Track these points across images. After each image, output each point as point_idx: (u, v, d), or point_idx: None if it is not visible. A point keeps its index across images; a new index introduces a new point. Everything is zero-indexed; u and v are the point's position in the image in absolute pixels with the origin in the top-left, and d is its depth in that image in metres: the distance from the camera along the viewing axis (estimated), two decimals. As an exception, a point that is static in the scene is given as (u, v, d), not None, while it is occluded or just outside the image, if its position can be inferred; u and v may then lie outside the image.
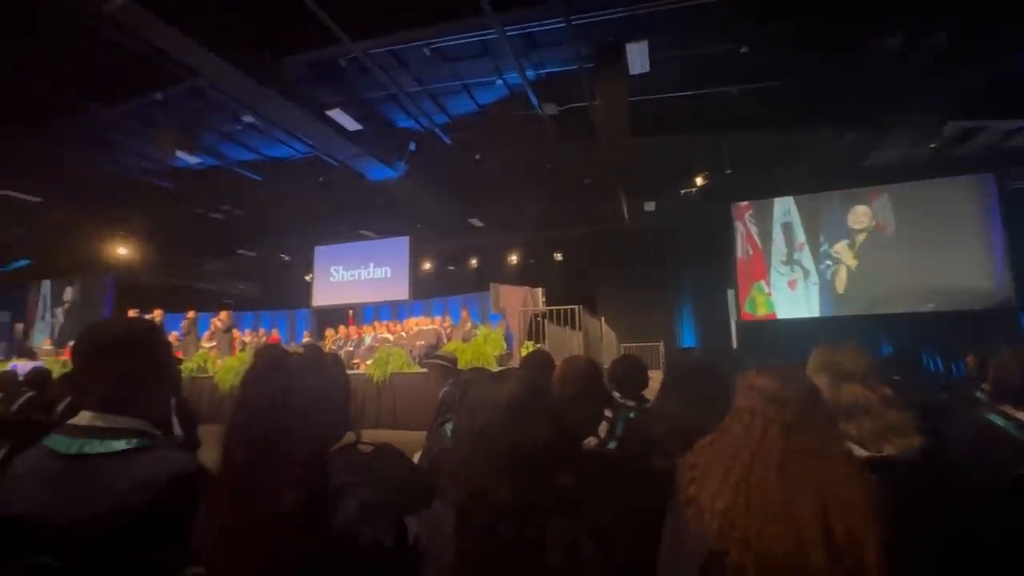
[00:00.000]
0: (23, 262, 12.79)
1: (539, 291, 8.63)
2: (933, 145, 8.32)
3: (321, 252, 12.85)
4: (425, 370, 6.63)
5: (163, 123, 7.18)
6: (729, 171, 9.03)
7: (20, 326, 12.66)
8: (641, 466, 1.33)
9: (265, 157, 8.94)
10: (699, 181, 9.68)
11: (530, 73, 6.47)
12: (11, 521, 0.90)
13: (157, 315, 8.89)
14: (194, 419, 3.04)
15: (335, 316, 11.50)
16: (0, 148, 7.71)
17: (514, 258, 13.60)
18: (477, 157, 8.84)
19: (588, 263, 13.43)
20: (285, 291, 14.73)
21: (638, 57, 5.51)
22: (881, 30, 5.70)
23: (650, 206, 11.13)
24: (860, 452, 1.24)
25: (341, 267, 12.56)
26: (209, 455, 1.02)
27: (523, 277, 11.19)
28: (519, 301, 8.12)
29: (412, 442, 2.03)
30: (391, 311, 11.53)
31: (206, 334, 9.36)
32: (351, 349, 8.93)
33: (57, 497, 0.90)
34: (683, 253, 12.44)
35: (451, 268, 14.33)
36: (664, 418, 1.65)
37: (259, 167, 9.25)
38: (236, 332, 9.81)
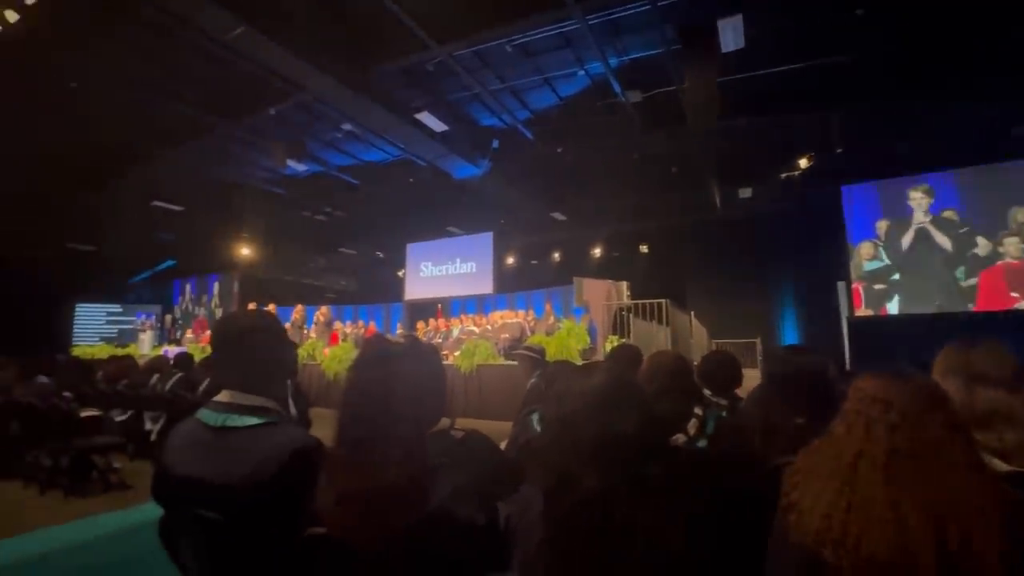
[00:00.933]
0: (170, 263, 14.99)
1: (623, 284, 8.41)
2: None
3: (412, 249, 13.58)
4: (510, 362, 6.77)
5: (276, 136, 8.00)
6: (840, 150, 8.16)
7: (169, 317, 14.82)
8: (730, 464, 1.27)
9: (361, 162, 9.63)
10: (803, 163, 8.86)
11: (612, 60, 6.31)
12: (179, 479, 1.09)
13: (271, 308, 9.97)
14: (307, 401, 3.38)
15: (425, 309, 12.12)
16: (148, 165, 9.09)
17: (597, 251, 13.38)
18: (559, 150, 8.80)
19: (676, 255, 12.85)
20: (381, 286, 15.78)
21: (731, 33, 5.14)
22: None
23: (746, 192, 10.39)
24: (1001, 466, 1.09)
25: (430, 263, 13.20)
26: (319, 435, 1.14)
27: (607, 270, 11.00)
28: (603, 295, 7.98)
29: (496, 432, 2.10)
30: (476, 304, 11.92)
31: (312, 326, 10.36)
32: (440, 341, 9.35)
33: (209, 461, 1.07)
34: (784, 242, 11.38)
35: (534, 262, 14.44)
36: (759, 419, 1.56)
37: (356, 171, 10.00)
38: (338, 324, 10.76)
